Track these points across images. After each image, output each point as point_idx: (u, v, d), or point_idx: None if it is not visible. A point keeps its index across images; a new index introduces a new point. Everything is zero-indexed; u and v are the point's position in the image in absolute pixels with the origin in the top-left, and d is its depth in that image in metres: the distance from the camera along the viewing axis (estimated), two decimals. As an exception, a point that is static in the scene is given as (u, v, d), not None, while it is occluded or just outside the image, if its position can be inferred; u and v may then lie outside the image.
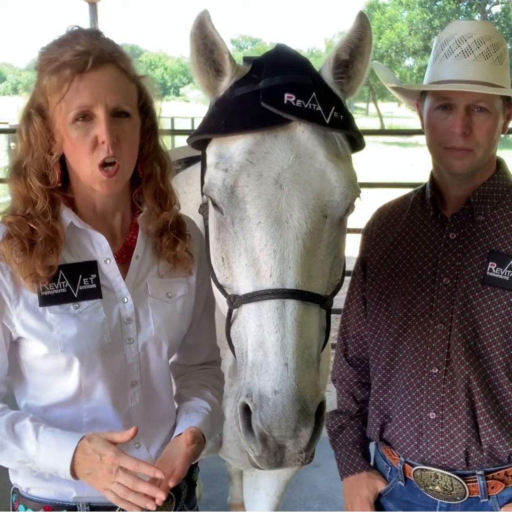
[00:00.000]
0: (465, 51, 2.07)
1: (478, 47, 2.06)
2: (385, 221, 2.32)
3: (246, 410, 1.59)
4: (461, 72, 2.07)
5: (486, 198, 2.14)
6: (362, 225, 2.43)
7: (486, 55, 2.07)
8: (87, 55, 1.62)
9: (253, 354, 1.61)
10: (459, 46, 2.08)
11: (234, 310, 1.73)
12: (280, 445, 1.56)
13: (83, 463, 1.63)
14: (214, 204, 1.76)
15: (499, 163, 2.22)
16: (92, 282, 1.75)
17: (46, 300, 1.70)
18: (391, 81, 2.29)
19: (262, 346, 1.59)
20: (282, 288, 1.62)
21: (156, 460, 1.72)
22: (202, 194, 1.91)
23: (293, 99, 1.69)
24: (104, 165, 1.66)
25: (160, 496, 1.58)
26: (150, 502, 1.58)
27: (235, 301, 1.71)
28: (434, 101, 2.11)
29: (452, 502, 2.15)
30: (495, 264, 2.08)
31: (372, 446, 2.42)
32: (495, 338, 2.08)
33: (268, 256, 1.64)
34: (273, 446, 1.56)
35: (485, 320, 2.08)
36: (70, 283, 1.72)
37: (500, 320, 2.07)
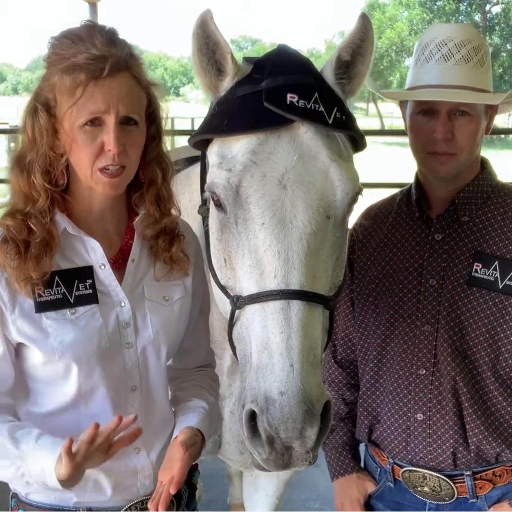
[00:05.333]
0: (446, 55, 2.07)
1: (459, 51, 2.06)
2: (372, 222, 2.32)
3: (251, 417, 1.58)
4: (442, 77, 2.07)
5: (471, 198, 2.15)
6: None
7: (467, 59, 2.06)
8: (103, 61, 1.60)
9: (257, 355, 1.61)
10: (439, 50, 2.08)
11: (237, 311, 1.72)
12: (287, 446, 1.56)
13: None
14: (217, 205, 1.76)
15: (484, 164, 2.23)
16: (88, 288, 1.74)
17: (42, 306, 1.69)
18: (371, 87, 2.29)
19: (267, 347, 1.59)
20: (286, 289, 1.61)
21: (160, 468, 1.72)
22: (202, 193, 1.91)
23: (296, 99, 1.69)
24: (105, 168, 1.65)
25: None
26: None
27: (239, 302, 1.70)
28: (416, 106, 2.11)
29: (441, 503, 2.16)
30: (480, 265, 2.09)
31: (362, 447, 2.43)
32: (481, 338, 2.08)
33: (272, 256, 1.64)
34: (280, 448, 1.56)
35: (471, 321, 2.09)
36: (66, 289, 1.71)
37: (486, 321, 2.08)
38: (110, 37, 1.67)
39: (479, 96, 2.07)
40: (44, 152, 1.69)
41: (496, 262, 2.07)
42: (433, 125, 2.05)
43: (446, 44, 2.07)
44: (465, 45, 2.07)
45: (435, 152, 2.07)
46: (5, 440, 1.66)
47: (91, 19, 1.75)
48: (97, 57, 1.61)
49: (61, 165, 1.70)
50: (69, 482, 1.60)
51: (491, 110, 2.15)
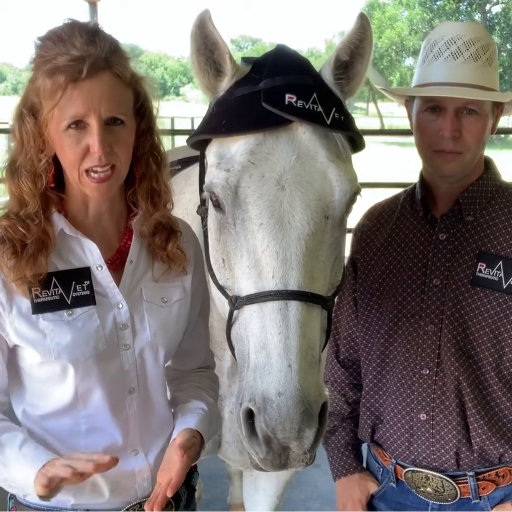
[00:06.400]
0: (455, 53, 2.06)
1: (468, 49, 2.06)
2: (375, 221, 2.32)
3: (249, 415, 1.58)
4: (450, 75, 2.06)
5: (475, 198, 2.14)
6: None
7: (476, 57, 2.06)
8: (82, 62, 1.58)
9: (255, 355, 1.61)
10: (448, 48, 2.07)
11: (235, 311, 1.72)
12: (284, 447, 1.56)
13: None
14: (215, 205, 1.76)
15: (488, 163, 2.22)
16: (85, 289, 1.73)
17: (39, 308, 1.68)
18: (379, 83, 2.29)
19: (265, 348, 1.58)
20: (285, 290, 1.61)
21: (158, 470, 1.71)
22: (200, 193, 1.91)
23: (294, 99, 1.69)
24: (91, 171, 1.64)
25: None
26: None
27: (237, 302, 1.70)
28: (423, 103, 2.10)
29: (444, 503, 2.16)
30: (484, 265, 2.08)
31: (364, 447, 2.42)
32: (485, 339, 2.08)
33: (270, 257, 1.64)
34: (277, 448, 1.55)
35: (475, 321, 2.08)
36: (63, 290, 1.71)
37: (489, 321, 2.07)
38: (90, 36, 1.64)
39: (488, 93, 2.06)
40: (32, 155, 1.68)
41: (500, 262, 2.07)
42: (440, 123, 2.04)
43: (455, 42, 2.07)
44: (473, 44, 2.06)
45: (442, 150, 2.06)
46: None
47: (73, 18, 1.71)
48: (76, 58, 1.59)
49: (43, 166, 1.68)
50: (46, 498, 1.61)
51: (498, 110, 2.14)
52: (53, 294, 1.70)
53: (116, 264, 1.80)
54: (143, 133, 1.78)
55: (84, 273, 1.74)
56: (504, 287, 2.06)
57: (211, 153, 1.81)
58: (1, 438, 1.67)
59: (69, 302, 1.71)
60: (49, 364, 1.70)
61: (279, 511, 3.04)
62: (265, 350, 1.58)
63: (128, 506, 1.80)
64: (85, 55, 1.59)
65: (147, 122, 1.79)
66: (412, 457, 2.16)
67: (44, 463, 1.60)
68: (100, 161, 1.62)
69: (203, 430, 1.80)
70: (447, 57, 2.07)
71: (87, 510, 1.77)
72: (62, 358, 1.68)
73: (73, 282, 1.72)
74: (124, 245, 1.83)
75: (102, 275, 1.76)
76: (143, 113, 1.77)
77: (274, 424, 1.51)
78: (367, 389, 2.29)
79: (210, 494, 4.19)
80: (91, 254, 1.76)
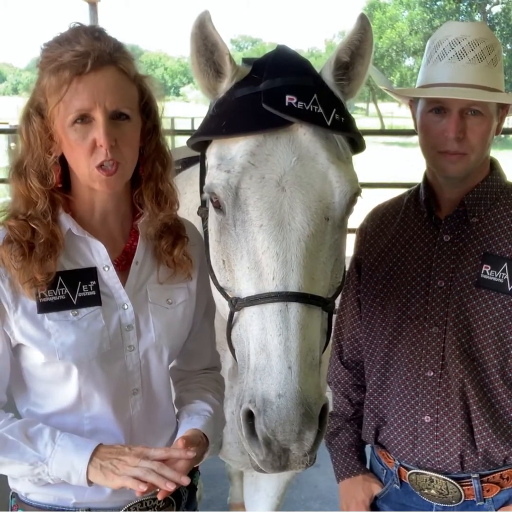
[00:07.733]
0: (459, 54, 2.05)
1: (472, 50, 2.04)
2: (379, 222, 2.31)
3: (249, 416, 1.58)
4: (455, 76, 2.05)
5: (480, 200, 2.13)
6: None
7: (480, 58, 2.04)
8: (86, 56, 1.60)
9: (255, 357, 1.61)
10: (452, 48, 2.06)
11: (236, 313, 1.72)
12: (284, 449, 1.55)
13: (105, 455, 1.63)
14: (216, 206, 1.76)
15: (493, 164, 2.21)
16: (91, 289, 1.73)
17: (44, 307, 1.68)
18: (383, 84, 2.28)
19: (265, 349, 1.58)
20: (285, 291, 1.61)
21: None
22: (201, 194, 1.91)
23: (295, 101, 1.69)
24: (101, 165, 1.64)
25: (185, 481, 1.61)
26: (170, 483, 1.60)
27: (237, 304, 1.70)
28: (428, 104, 2.09)
29: (448, 505, 2.15)
30: (489, 267, 2.06)
31: (368, 449, 2.42)
32: (490, 341, 2.07)
33: (270, 259, 1.64)
34: (277, 450, 1.55)
35: (479, 323, 2.07)
36: (69, 290, 1.71)
37: (494, 323, 2.06)
38: (95, 34, 1.66)
39: (493, 95, 2.05)
40: (39, 155, 1.68)
41: (506, 264, 2.05)
42: (445, 124, 2.03)
43: (459, 43, 2.05)
44: (478, 44, 2.04)
45: (446, 151, 2.04)
46: (18, 440, 1.66)
47: (79, 21, 1.73)
48: (81, 54, 1.60)
49: (51, 163, 1.69)
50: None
51: (503, 111, 2.13)
52: (59, 293, 1.70)
53: (122, 265, 1.81)
54: (149, 132, 1.78)
55: (91, 273, 1.74)
56: (509, 289, 2.05)
57: (212, 154, 1.81)
58: (29, 433, 1.67)
59: (74, 302, 1.71)
60: (52, 365, 1.71)
61: (279, 511, 3.05)
62: (265, 352, 1.58)
63: (129, 505, 1.81)
64: (89, 50, 1.61)
65: (153, 121, 1.79)
66: (416, 459, 2.15)
67: (90, 451, 1.64)
68: (107, 156, 1.62)
69: (208, 433, 1.80)
70: (451, 57, 2.06)
71: (89, 509, 1.78)
72: (66, 358, 1.68)
73: (79, 282, 1.72)
74: (130, 246, 1.83)
75: (109, 275, 1.76)
76: (148, 112, 1.77)
77: (274, 426, 1.51)
78: (370, 390, 2.28)
79: (211, 494, 4.20)
80: (98, 255, 1.76)
